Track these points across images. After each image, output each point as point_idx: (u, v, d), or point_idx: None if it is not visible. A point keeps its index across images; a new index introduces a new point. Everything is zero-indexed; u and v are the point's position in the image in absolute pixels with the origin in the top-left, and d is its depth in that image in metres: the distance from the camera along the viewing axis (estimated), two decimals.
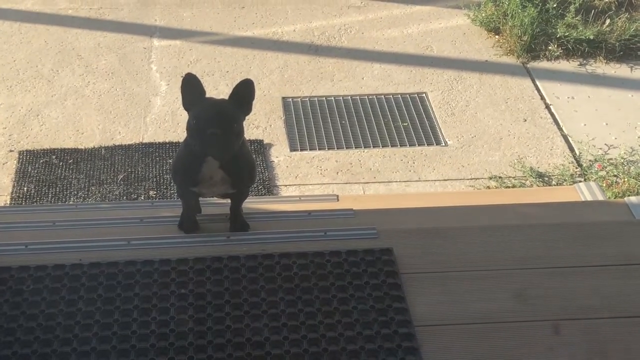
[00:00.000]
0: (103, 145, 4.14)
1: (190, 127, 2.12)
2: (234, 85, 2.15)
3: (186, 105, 2.16)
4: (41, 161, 4.02)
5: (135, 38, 4.95)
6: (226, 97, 2.19)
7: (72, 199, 3.81)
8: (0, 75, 4.58)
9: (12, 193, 3.83)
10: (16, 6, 5.18)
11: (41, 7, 5.18)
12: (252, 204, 2.75)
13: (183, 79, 2.14)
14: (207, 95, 2.18)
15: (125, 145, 4.15)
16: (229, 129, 2.08)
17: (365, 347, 1.85)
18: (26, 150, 4.09)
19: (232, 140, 2.10)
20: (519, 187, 3.97)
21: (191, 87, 2.14)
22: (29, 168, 3.98)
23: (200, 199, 2.48)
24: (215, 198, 2.48)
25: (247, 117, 2.19)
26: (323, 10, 5.26)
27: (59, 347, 1.84)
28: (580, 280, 2.11)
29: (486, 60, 4.91)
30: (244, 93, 2.14)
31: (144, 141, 4.18)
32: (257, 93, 2.21)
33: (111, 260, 2.10)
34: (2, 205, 3.74)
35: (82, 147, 4.12)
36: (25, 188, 3.86)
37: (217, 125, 2.05)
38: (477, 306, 2.01)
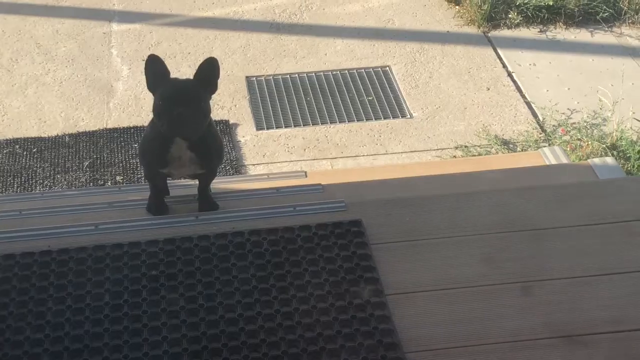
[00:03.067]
0: (67, 133, 4.10)
1: (156, 108, 2.11)
2: (196, 67, 2.14)
3: (151, 86, 2.15)
4: (4, 151, 3.97)
5: (94, 23, 4.89)
6: (190, 77, 2.18)
7: (38, 188, 3.78)
8: None
9: None
10: None
11: None
12: (221, 184, 2.75)
13: (146, 60, 2.13)
14: (171, 76, 2.17)
15: (89, 131, 4.11)
16: (196, 108, 2.08)
17: (338, 318, 1.86)
18: None
19: (199, 119, 2.10)
20: (485, 155, 3.99)
21: (155, 68, 2.13)
22: None
23: (168, 180, 2.47)
24: (182, 179, 2.47)
25: (211, 98, 2.19)
26: None
27: (31, 334, 1.83)
28: (549, 242, 2.13)
29: (447, 31, 4.92)
30: (209, 72, 2.14)
31: (108, 127, 4.15)
32: (221, 73, 2.20)
33: (80, 245, 2.09)
34: None
35: (46, 136, 4.08)
36: None
37: (184, 104, 2.05)
38: (447, 272, 2.03)
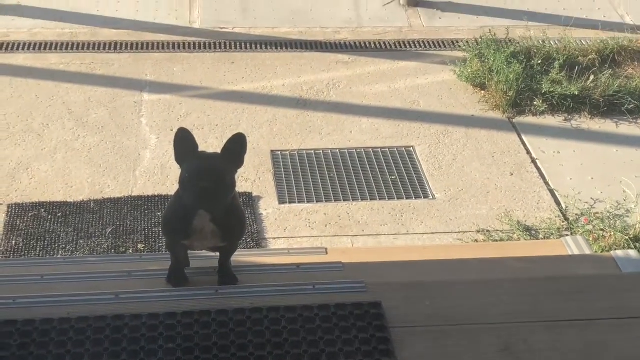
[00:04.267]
0: (92, 199, 4.13)
1: (182, 181, 2.13)
2: (223, 139, 2.17)
3: (179, 159, 2.17)
4: (30, 214, 4.01)
5: (125, 92, 4.97)
6: (216, 150, 2.20)
7: (60, 252, 3.79)
8: None
9: (0, 247, 3.81)
10: (8, 61, 5.21)
11: (33, 62, 5.21)
12: (241, 257, 2.75)
13: (176, 134, 2.15)
14: (201, 148, 2.20)
15: (114, 198, 4.14)
16: (221, 183, 2.10)
17: None
18: (15, 204, 4.07)
19: (224, 194, 2.12)
20: (507, 240, 3.97)
21: (184, 141, 2.16)
22: (18, 221, 3.96)
23: (189, 252, 2.48)
24: (203, 251, 2.48)
25: (237, 172, 2.20)
26: (312, 65, 5.32)
27: None
28: (568, 335, 2.10)
29: (472, 115, 4.95)
30: (237, 147, 2.16)
31: (133, 194, 4.18)
32: (247, 146, 2.22)
33: (99, 314, 2.09)
34: None
35: (71, 201, 4.11)
36: (13, 241, 3.83)
37: (209, 178, 2.06)
38: (468, 359, 2.00)
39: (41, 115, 4.73)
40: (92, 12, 5.74)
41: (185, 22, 5.72)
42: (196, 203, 2.11)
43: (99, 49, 5.38)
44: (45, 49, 5.34)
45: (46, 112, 4.76)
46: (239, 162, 2.18)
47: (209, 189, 2.06)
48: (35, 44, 5.37)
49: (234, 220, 2.27)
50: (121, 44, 5.42)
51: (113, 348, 1.98)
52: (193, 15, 5.79)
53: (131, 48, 5.40)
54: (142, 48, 5.41)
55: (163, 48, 5.42)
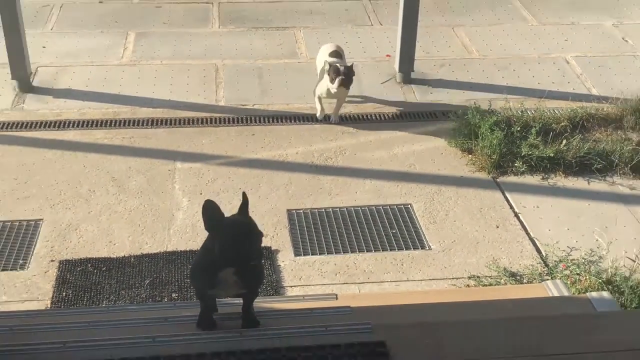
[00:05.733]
0: (132, 254, 4.14)
1: (224, 247, 2.13)
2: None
3: (208, 227, 2.18)
4: (78, 269, 4.02)
5: (161, 162, 5.02)
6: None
7: (104, 301, 3.79)
8: (45, 196, 4.62)
9: (52, 297, 3.81)
10: (60, 137, 5.27)
11: (80, 137, 5.28)
12: (262, 303, 2.74)
13: (203, 205, 2.15)
14: (223, 211, 2.20)
15: (151, 253, 4.15)
16: (258, 242, 2.14)
17: None
18: (65, 260, 4.08)
19: (255, 256, 2.16)
20: (495, 285, 3.95)
21: (211, 212, 2.16)
22: (68, 275, 3.96)
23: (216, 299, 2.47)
24: (229, 298, 2.47)
25: None
26: (321, 136, 5.36)
27: None
28: None
29: (461, 176, 4.96)
30: (246, 203, 2.21)
31: (167, 250, 4.18)
32: (265, 207, 2.28)
33: (138, 355, 2.08)
34: (44, 308, 3.71)
35: (114, 256, 4.12)
36: (64, 293, 3.84)
37: (251, 242, 2.11)
38: None
39: (88, 183, 4.77)
40: (132, 94, 5.83)
41: (212, 100, 5.80)
42: (235, 263, 2.14)
43: (138, 125, 5.45)
44: (91, 126, 5.41)
45: (92, 180, 4.81)
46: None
47: (247, 249, 2.11)
48: (83, 122, 5.45)
49: (254, 272, 2.28)
50: (157, 121, 5.50)
51: None
52: (218, 94, 5.88)
53: (166, 124, 5.47)
54: (175, 124, 5.48)
55: (193, 123, 5.49)
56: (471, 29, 7.03)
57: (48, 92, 5.82)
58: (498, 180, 4.90)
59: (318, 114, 5.44)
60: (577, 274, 3.95)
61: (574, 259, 4.13)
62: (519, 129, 5.20)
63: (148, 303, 3.74)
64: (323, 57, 5.40)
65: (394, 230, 4.43)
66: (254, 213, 2.31)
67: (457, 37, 6.89)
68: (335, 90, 5.15)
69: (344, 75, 5.07)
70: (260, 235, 2.17)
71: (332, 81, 5.10)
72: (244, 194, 2.23)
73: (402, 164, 5.08)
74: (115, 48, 6.53)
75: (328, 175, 4.94)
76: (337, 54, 5.42)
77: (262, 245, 4.08)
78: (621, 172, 4.97)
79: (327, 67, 5.18)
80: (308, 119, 5.56)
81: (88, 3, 7.37)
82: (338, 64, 5.16)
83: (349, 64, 5.20)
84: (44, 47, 6.46)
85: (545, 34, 6.97)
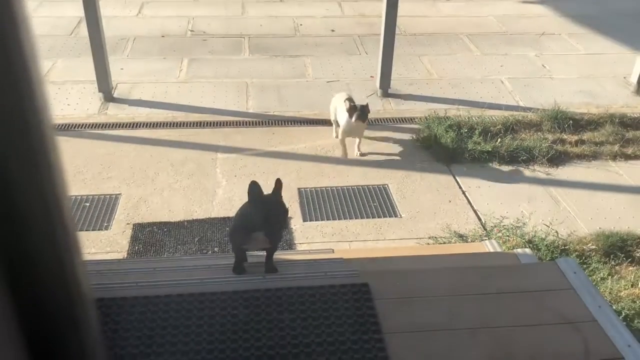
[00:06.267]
0: (185, 220, 4.14)
1: (257, 215, 2.15)
2: (268, 180, 2.20)
3: (250, 200, 2.22)
4: (146, 230, 4.02)
5: (206, 153, 5.00)
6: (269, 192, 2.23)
7: (165, 253, 3.80)
8: (122, 177, 4.62)
9: (128, 250, 3.82)
10: (133, 134, 5.25)
11: (149, 135, 5.26)
12: (279, 255, 2.74)
13: (250, 185, 2.20)
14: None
15: (199, 219, 4.15)
16: (281, 215, 2.17)
17: (350, 338, 1.82)
18: (137, 223, 4.09)
19: (281, 224, 2.20)
20: (448, 243, 3.95)
21: (254, 189, 2.20)
22: (139, 234, 3.97)
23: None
24: (256, 252, 2.49)
25: None
26: (323, 134, 5.33)
27: (156, 348, 1.81)
28: (487, 302, 2.09)
29: (424, 164, 4.95)
30: (280, 187, 2.21)
31: (211, 217, 4.18)
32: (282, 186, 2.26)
33: (191, 292, 2.10)
34: (122, 258, 3.73)
35: (172, 221, 4.12)
36: (136, 247, 3.85)
37: (275, 214, 2.12)
38: (424, 318, 1.99)
39: (154, 168, 4.77)
40: (186, 103, 5.81)
41: (243, 108, 5.78)
42: (263, 228, 2.15)
43: (190, 126, 5.43)
44: (156, 127, 5.39)
45: (157, 165, 4.80)
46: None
47: (274, 220, 2.13)
48: (150, 124, 5.43)
49: (277, 233, 2.29)
50: (203, 123, 5.47)
51: (199, 313, 1.98)
52: (248, 104, 5.85)
53: (210, 125, 5.44)
54: (216, 125, 5.45)
55: (230, 125, 5.47)
56: (432, 57, 6.98)
57: (125, 102, 5.79)
58: (450, 167, 4.88)
59: (342, 154, 4.89)
60: (507, 236, 3.96)
61: (505, 225, 4.13)
62: (466, 130, 5.18)
63: (197, 254, 3.75)
64: (337, 103, 4.94)
65: (375, 203, 4.43)
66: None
67: (422, 63, 6.84)
68: (354, 124, 4.66)
69: (360, 110, 4.67)
70: (286, 211, 2.18)
71: (350, 117, 4.66)
72: (279, 180, 2.22)
73: (381, 155, 5.07)
74: (173, 70, 6.49)
75: (327, 163, 4.93)
76: (351, 99, 4.92)
77: None
78: (540, 162, 4.95)
79: (347, 105, 4.72)
80: (314, 122, 5.53)
81: (154, 37, 7.32)
82: (355, 103, 4.75)
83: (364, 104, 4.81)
84: (122, 68, 6.42)
85: (486, 61, 6.92)
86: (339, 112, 4.90)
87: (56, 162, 0.53)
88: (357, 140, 4.97)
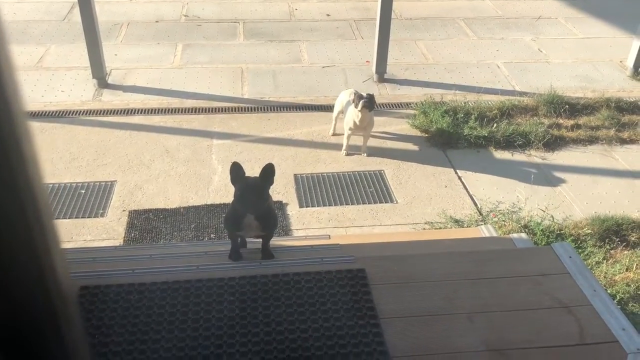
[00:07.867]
0: (181, 206, 4.14)
1: (236, 196, 2.14)
2: (262, 167, 2.18)
3: (233, 181, 2.19)
4: (142, 217, 4.02)
5: (202, 139, 4.98)
6: (257, 175, 2.21)
7: (161, 240, 3.80)
8: (118, 163, 4.60)
9: (124, 237, 3.81)
10: (128, 121, 5.23)
11: (143, 121, 5.23)
12: (276, 241, 2.74)
13: (231, 165, 2.17)
14: (247, 174, 2.21)
15: (195, 206, 4.15)
16: (260, 197, 2.11)
17: (346, 324, 1.83)
18: (133, 210, 4.08)
19: (261, 204, 2.13)
20: (444, 228, 3.96)
21: (236, 171, 2.18)
22: (135, 221, 3.97)
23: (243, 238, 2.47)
24: (252, 238, 2.48)
25: (270, 188, 2.21)
26: (319, 120, 5.32)
27: (153, 335, 1.81)
28: (483, 287, 2.09)
29: (420, 150, 4.95)
30: (269, 173, 2.18)
31: (207, 203, 4.18)
32: (277, 172, 2.24)
33: (187, 278, 2.09)
34: (118, 245, 3.72)
35: (168, 208, 4.12)
36: (132, 234, 3.84)
37: (253, 195, 2.09)
38: (420, 303, 2.00)
39: (149, 154, 4.75)
40: (180, 89, 5.77)
41: (238, 94, 5.75)
42: (245, 209, 2.13)
43: (185, 112, 5.40)
44: (151, 113, 5.37)
45: (152, 152, 4.78)
46: (271, 182, 2.20)
47: (253, 201, 2.09)
48: (145, 110, 5.40)
49: (270, 218, 2.28)
50: (199, 109, 5.45)
51: (195, 300, 1.98)
52: (243, 90, 5.82)
53: (205, 111, 5.42)
54: (211, 111, 5.43)
55: (225, 111, 5.44)
56: (428, 42, 6.94)
57: (119, 88, 5.75)
58: (446, 152, 4.88)
59: (343, 149, 4.76)
60: (503, 221, 3.97)
61: (500, 210, 4.14)
62: (462, 115, 5.18)
63: (193, 241, 3.75)
64: (344, 98, 4.82)
65: (371, 189, 4.43)
66: None
67: (418, 48, 6.81)
68: (360, 114, 4.47)
69: (367, 99, 4.48)
70: (265, 193, 2.15)
71: (356, 106, 4.49)
72: (272, 165, 2.18)
73: (377, 140, 5.06)
74: (168, 56, 6.44)
75: (324, 149, 4.92)
76: (357, 93, 4.70)
77: (276, 200, 4.08)
78: (536, 147, 4.95)
79: (352, 97, 4.59)
80: (309, 108, 5.51)
81: (147, 22, 7.25)
82: (361, 93, 4.60)
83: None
84: (115, 54, 6.37)
85: (482, 46, 6.89)
86: (346, 106, 4.74)
87: (30, 153, 0.51)
88: (363, 139, 4.80)
